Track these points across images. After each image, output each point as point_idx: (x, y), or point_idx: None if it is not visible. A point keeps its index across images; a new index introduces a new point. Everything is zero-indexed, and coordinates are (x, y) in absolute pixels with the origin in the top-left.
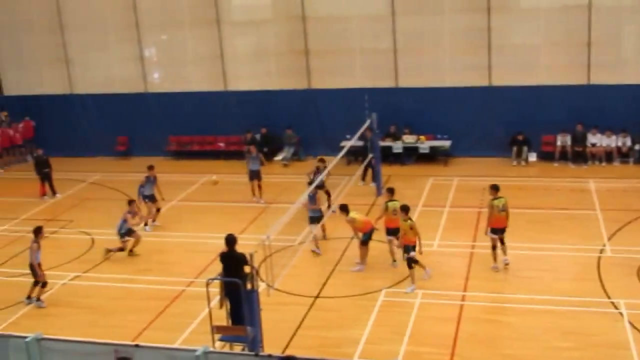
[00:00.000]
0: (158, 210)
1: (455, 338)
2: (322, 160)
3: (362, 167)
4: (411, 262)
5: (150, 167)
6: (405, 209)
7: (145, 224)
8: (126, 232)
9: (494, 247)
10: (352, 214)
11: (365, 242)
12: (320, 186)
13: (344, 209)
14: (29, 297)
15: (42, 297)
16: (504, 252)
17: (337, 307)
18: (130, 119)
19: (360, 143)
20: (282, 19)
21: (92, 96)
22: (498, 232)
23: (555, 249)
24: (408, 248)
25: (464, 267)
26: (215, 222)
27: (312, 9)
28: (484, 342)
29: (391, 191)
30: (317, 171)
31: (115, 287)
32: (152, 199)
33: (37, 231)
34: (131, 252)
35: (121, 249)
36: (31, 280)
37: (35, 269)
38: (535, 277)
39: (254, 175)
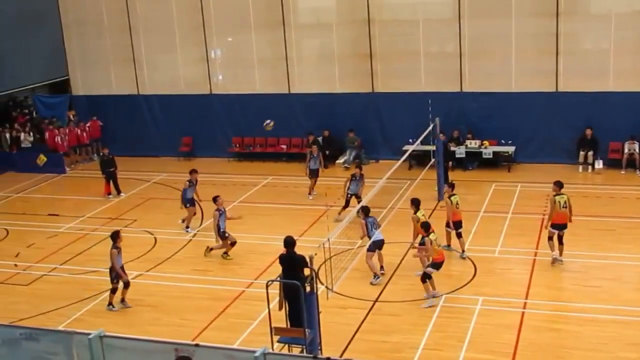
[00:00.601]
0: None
1: (516, 346)
2: (359, 167)
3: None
4: (425, 278)
5: (193, 171)
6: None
7: (187, 227)
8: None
9: (550, 238)
10: (420, 214)
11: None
12: (357, 195)
13: (415, 203)
14: (110, 304)
15: (126, 297)
16: (561, 252)
17: (396, 311)
18: (194, 120)
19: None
20: (348, 22)
21: (158, 97)
22: (559, 227)
23: (621, 258)
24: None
25: (526, 274)
26: (275, 223)
27: (377, 12)
28: (545, 351)
29: (452, 186)
30: (353, 178)
31: (177, 287)
32: (192, 203)
33: (115, 236)
34: (225, 255)
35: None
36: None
37: (118, 274)
38: (600, 286)
39: (313, 174)
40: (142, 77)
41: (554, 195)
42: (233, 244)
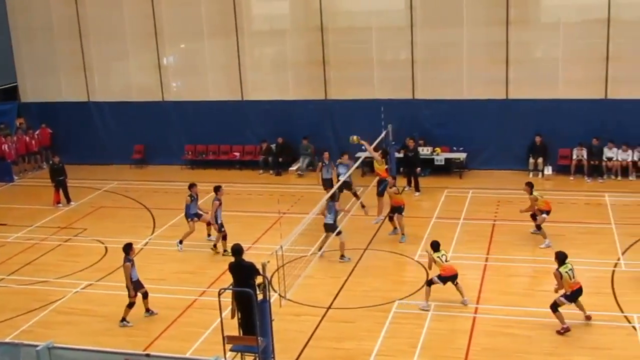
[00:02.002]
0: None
1: (468, 351)
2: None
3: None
4: (431, 282)
5: (192, 185)
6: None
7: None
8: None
9: (539, 227)
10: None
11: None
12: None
13: (530, 185)
14: (123, 320)
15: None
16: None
17: (349, 318)
18: (147, 128)
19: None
20: (301, 29)
21: (110, 104)
22: (546, 212)
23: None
24: None
25: (478, 279)
26: (229, 231)
27: (331, 19)
28: (498, 356)
29: (530, 185)
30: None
31: None
32: (198, 216)
33: (128, 249)
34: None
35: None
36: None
37: (132, 287)
38: (551, 290)
39: (328, 184)
40: (93, 84)
41: (532, 194)
42: (225, 237)
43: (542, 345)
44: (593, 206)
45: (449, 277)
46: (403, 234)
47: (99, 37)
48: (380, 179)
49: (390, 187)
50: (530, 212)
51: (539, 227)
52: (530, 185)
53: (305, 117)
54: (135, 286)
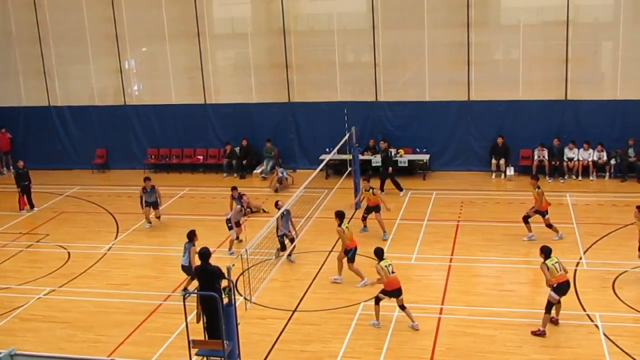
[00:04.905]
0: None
1: (433, 351)
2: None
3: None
4: (378, 300)
5: (146, 179)
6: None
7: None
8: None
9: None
10: (344, 226)
11: (350, 259)
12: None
13: (339, 215)
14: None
15: None
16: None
17: (315, 320)
18: (109, 132)
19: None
20: (263, 32)
21: (71, 108)
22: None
23: (533, 262)
24: None
25: (442, 280)
26: None
27: (293, 22)
28: (462, 355)
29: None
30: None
31: (92, 302)
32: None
33: (192, 235)
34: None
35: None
36: None
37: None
38: (513, 290)
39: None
40: (54, 88)
41: (536, 186)
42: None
43: (506, 345)
44: (554, 206)
45: (393, 292)
46: (385, 231)
47: (59, 41)
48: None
49: (367, 190)
50: (535, 209)
51: (550, 226)
52: (536, 179)
53: (268, 120)
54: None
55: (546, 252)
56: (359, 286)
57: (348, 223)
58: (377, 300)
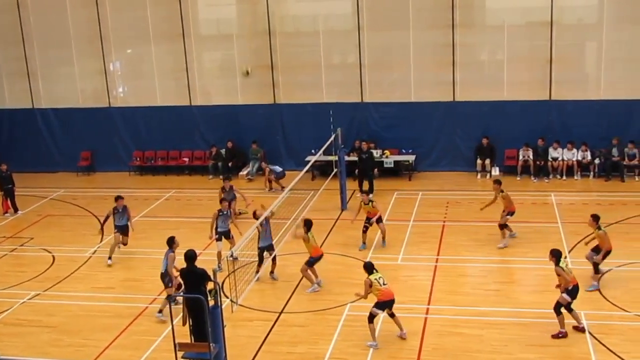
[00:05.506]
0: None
1: (420, 351)
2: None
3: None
4: (372, 318)
5: (118, 198)
6: None
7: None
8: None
9: (505, 226)
10: (310, 235)
11: (311, 264)
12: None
13: (307, 224)
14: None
15: None
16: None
17: (302, 322)
18: (94, 134)
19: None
20: (249, 33)
21: (55, 110)
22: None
23: (518, 262)
24: None
25: (428, 280)
26: (179, 237)
27: (278, 23)
28: (448, 355)
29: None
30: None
31: (78, 305)
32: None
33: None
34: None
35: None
36: None
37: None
38: (499, 289)
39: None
40: (38, 90)
41: (500, 190)
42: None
43: (492, 344)
44: (539, 206)
45: (387, 302)
46: (384, 240)
47: (43, 42)
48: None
49: (366, 203)
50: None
51: (502, 227)
52: (499, 183)
53: (254, 122)
54: (171, 278)
55: (557, 255)
56: (308, 291)
57: (334, 224)
58: (371, 317)
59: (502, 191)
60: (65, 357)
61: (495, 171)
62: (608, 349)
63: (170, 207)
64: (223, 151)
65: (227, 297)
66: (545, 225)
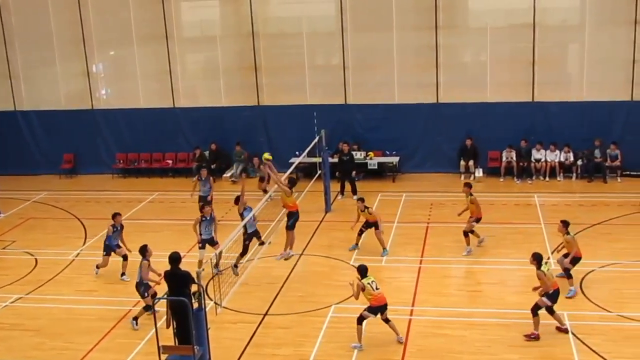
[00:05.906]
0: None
1: (404, 352)
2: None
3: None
4: (361, 319)
5: (116, 215)
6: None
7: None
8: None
9: (472, 232)
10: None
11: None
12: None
13: (292, 182)
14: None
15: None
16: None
17: (286, 324)
18: (76, 136)
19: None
20: (232, 35)
21: (37, 112)
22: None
23: (502, 263)
24: None
25: (412, 281)
26: (164, 240)
27: (262, 25)
28: (432, 356)
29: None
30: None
31: (61, 309)
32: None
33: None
34: None
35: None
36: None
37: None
38: (482, 290)
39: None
40: (20, 92)
41: (470, 195)
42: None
43: (475, 345)
44: (522, 207)
45: (380, 307)
46: (385, 248)
47: (25, 44)
48: (289, 212)
49: (362, 210)
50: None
51: (467, 234)
52: (469, 186)
53: (238, 123)
54: (147, 288)
55: (538, 259)
56: (277, 258)
57: (319, 226)
58: (361, 319)
59: (471, 194)
60: None
61: (479, 172)
62: (591, 349)
63: (154, 209)
64: (207, 153)
65: (211, 300)
66: (528, 227)
